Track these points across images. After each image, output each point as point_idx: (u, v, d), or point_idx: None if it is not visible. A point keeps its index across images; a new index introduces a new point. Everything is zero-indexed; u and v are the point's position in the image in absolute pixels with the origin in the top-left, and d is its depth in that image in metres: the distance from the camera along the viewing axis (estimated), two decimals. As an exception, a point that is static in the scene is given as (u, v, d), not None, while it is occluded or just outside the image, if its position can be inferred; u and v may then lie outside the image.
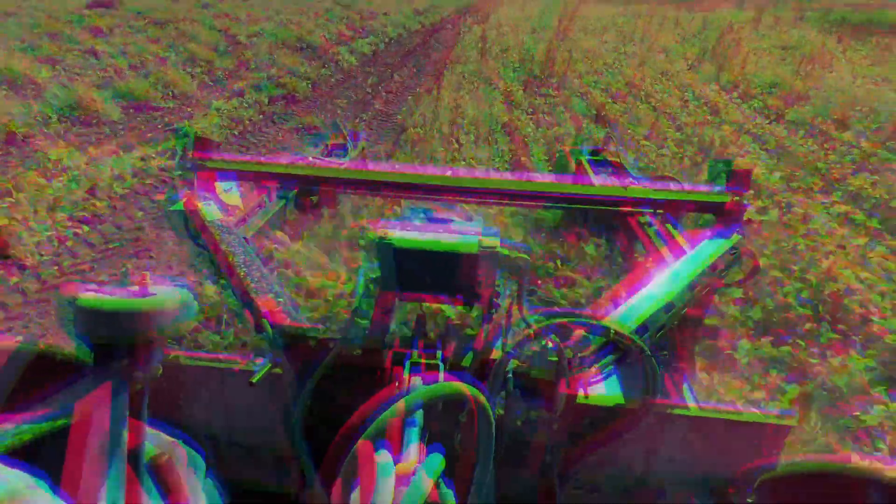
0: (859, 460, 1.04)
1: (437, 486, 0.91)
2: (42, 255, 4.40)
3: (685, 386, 2.41)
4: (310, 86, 10.50)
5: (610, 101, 9.01)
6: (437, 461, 0.84)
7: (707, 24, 18.60)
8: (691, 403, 2.20)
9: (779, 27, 20.58)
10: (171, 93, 9.55)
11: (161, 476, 1.10)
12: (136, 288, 1.06)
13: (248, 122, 8.33)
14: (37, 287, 4.09)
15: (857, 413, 2.81)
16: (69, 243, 4.66)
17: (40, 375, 1.05)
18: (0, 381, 1.00)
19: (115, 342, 1.05)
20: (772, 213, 4.79)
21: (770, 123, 7.87)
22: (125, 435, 1.06)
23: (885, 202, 5.20)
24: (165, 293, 1.07)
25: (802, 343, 3.28)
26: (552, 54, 10.39)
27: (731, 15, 21.73)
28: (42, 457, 0.94)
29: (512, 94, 9.41)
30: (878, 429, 2.68)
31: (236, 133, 7.86)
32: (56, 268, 4.33)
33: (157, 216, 5.01)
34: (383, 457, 0.82)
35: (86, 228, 4.90)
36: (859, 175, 5.93)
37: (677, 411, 1.86)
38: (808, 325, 3.43)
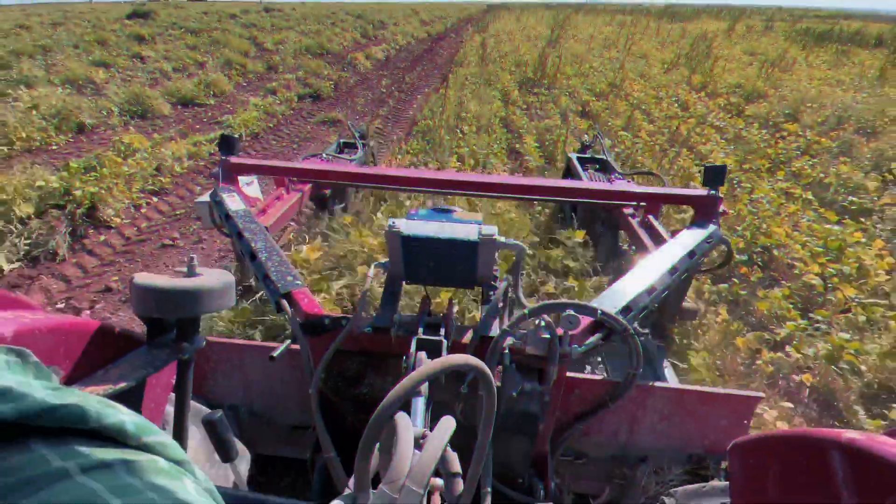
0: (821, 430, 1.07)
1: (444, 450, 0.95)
2: (123, 219, 4.93)
3: (666, 361, 2.49)
4: (332, 86, 10.99)
5: (594, 98, 9.48)
6: (449, 424, 0.85)
7: (686, 33, 19.06)
8: (671, 378, 2.32)
9: (750, 35, 20.95)
10: (212, 92, 10.05)
11: (214, 432, 1.12)
12: (185, 270, 1.12)
13: (280, 116, 8.83)
14: (122, 243, 4.62)
15: (773, 327, 3.33)
16: (143, 210, 5.19)
17: (100, 349, 1.08)
18: (70, 356, 1.02)
19: (165, 318, 1.12)
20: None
21: (731, 117, 8.32)
22: (177, 399, 1.15)
23: (820, 180, 5.69)
24: (209, 276, 1.11)
25: (737, 281, 3.80)
26: (545, 60, 10.82)
27: (708, 25, 22.19)
28: None
29: (509, 93, 9.88)
30: (788, 339, 3.19)
31: (272, 125, 8.37)
32: (135, 228, 4.86)
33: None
34: (403, 421, 0.84)
35: (155, 199, 5.44)
36: (802, 158, 6.41)
37: (658, 385, 1.92)
38: (743, 269, 3.94)
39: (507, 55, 13.79)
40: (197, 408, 1.58)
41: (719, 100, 9.48)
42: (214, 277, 1.10)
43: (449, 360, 0.87)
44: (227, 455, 1.12)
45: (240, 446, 1.67)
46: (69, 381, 0.98)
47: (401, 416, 0.84)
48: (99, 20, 21.16)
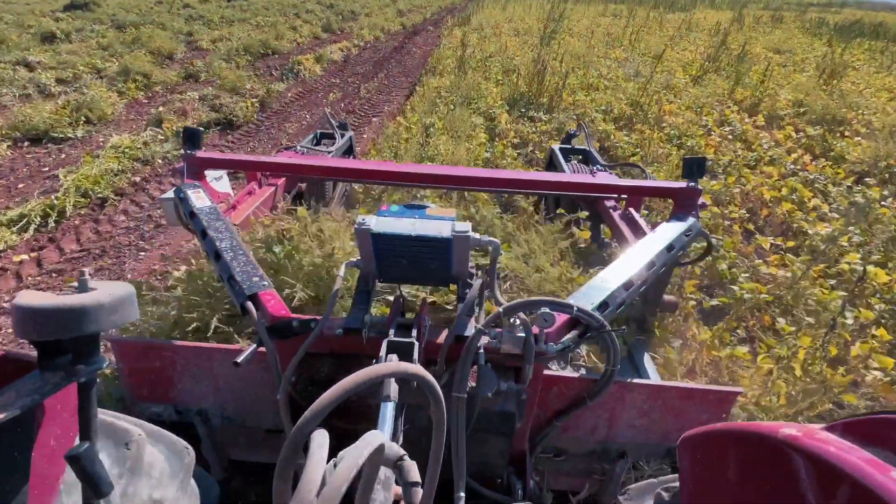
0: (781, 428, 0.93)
1: (401, 459, 0.88)
2: None
3: (646, 356, 2.33)
4: (256, 106, 7.87)
5: (612, 126, 6.53)
6: (371, 440, 0.75)
7: (692, 25, 16.02)
8: (650, 374, 2.20)
9: (760, 28, 18.00)
10: (83, 118, 6.91)
11: (79, 468, 0.92)
12: (75, 285, 0.97)
13: (153, 167, 5.73)
14: None
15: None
16: None
17: None
18: None
19: (55, 340, 0.94)
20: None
21: (822, 166, 5.47)
22: (80, 426, 0.99)
23: None
24: (102, 290, 0.96)
25: None
26: (542, 67, 7.77)
27: (709, 15, 19.02)
28: None
29: (496, 118, 6.87)
30: None
31: (136, 182, 5.29)
32: None
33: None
34: (318, 440, 0.75)
35: None
36: None
37: (636, 381, 1.82)
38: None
39: (492, 57, 10.72)
40: (123, 427, 1.27)
41: (787, 128, 6.55)
42: (108, 291, 0.96)
43: (383, 367, 0.83)
44: (98, 491, 0.95)
45: (203, 476, 1.55)
46: None
47: (317, 435, 0.77)
48: (33, 12, 17.54)
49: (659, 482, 1.47)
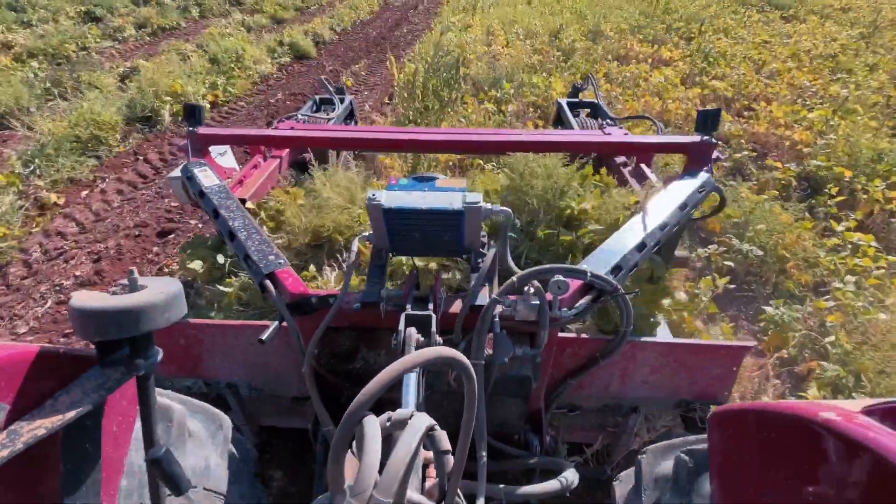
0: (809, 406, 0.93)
1: (432, 429, 0.88)
2: None
3: (660, 314, 2.26)
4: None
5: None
6: (418, 425, 0.80)
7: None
8: (660, 334, 2.10)
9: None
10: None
11: (160, 470, 0.97)
12: (126, 284, 0.99)
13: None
14: None
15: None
16: None
17: (45, 375, 0.96)
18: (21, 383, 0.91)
19: (114, 340, 0.97)
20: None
21: None
22: (142, 416, 1.02)
23: None
24: (152, 289, 0.99)
25: None
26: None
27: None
28: (61, 450, 0.97)
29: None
30: None
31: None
32: None
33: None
34: (370, 429, 0.76)
35: None
36: None
37: (648, 340, 1.80)
38: None
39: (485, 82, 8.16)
40: (170, 405, 1.37)
41: None
42: (158, 290, 0.98)
43: (420, 355, 0.84)
44: (177, 489, 1.00)
45: (241, 443, 1.61)
46: (15, 415, 0.90)
47: (368, 422, 0.79)
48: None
49: (681, 443, 1.46)
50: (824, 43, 9.56)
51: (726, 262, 3.44)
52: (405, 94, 6.43)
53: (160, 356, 1.03)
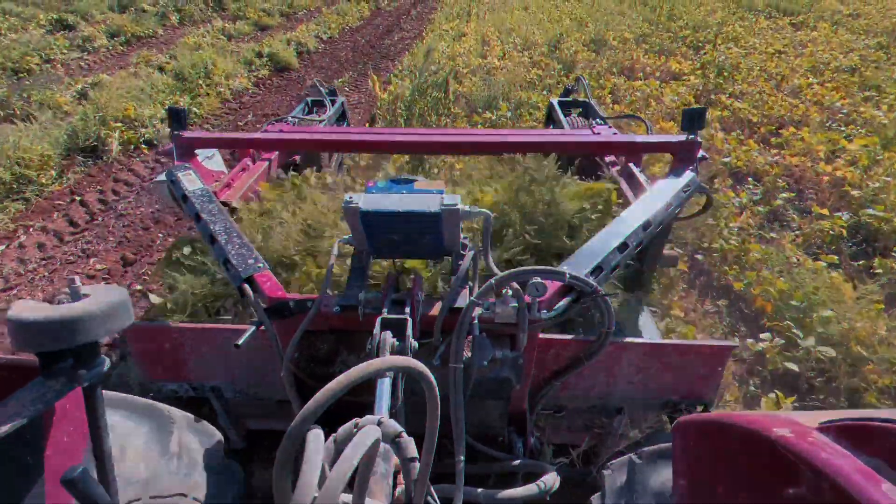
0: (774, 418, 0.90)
1: (399, 436, 0.87)
2: None
3: (645, 311, 2.23)
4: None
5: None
6: (365, 439, 0.77)
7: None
8: (652, 327, 2.12)
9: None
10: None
11: (76, 492, 0.90)
12: (67, 292, 0.96)
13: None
14: None
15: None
16: None
17: None
18: None
19: (55, 351, 0.92)
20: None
21: None
22: (90, 428, 1.00)
23: None
24: (95, 297, 0.95)
25: None
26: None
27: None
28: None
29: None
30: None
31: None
32: None
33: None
34: (314, 442, 0.74)
35: None
36: None
37: (632, 341, 1.78)
38: None
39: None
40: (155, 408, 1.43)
41: None
42: (100, 299, 0.93)
43: (368, 366, 0.82)
44: None
45: (231, 465, 1.55)
46: None
47: (311, 436, 0.76)
48: None
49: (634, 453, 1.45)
50: (842, 54, 8.74)
51: (787, 364, 2.62)
52: (388, 118, 5.59)
53: (107, 365, 0.99)
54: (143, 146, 5.42)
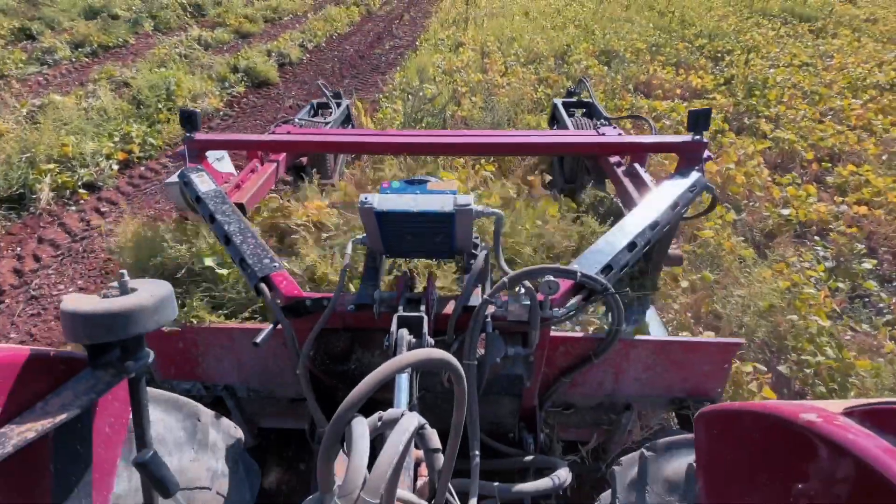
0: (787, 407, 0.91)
1: (422, 428, 0.88)
2: None
3: (649, 312, 2.22)
4: None
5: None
6: (407, 426, 0.79)
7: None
8: (654, 331, 2.09)
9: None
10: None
11: (148, 473, 0.97)
12: (116, 286, 0.97)
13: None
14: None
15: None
16: None
17: (36, 378, 0.94)
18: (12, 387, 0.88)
19: (105, 342, 0.94)
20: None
21: None
22: (134, 418, 1.01)
23: None
24: (143, 291, 0.97)
25: None
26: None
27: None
28: (52, 452, 0.94)
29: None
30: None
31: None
32: None
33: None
34: (359, 429, 0.75)
35: None
36: None
37: (640, 338, 1.79)
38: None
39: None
40: (174, 399, 1.41)
41: None
42: (149, 293, 0.96)
43: (409, 357, 0.83)
44: (165, 492, 1.00)
45: (247, 460, 1.57)
46: (5, 417, 0.87)
47: (357, 423, 0.77)
48: None
49: (683, 441, 1.41)
50: (875, 66, 7.84)
51: None
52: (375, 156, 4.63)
53: (151, 358, 1.01)
54: (82, 191, 4.45)
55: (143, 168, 4.99)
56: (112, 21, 10.64)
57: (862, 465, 0.73)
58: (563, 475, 1.61)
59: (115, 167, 4.80)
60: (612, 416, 1.92)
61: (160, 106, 5.74)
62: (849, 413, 0.86)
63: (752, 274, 3.12)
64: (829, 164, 4.78)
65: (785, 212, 3.81)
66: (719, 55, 8.59)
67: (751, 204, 4.02)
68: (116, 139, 5.06)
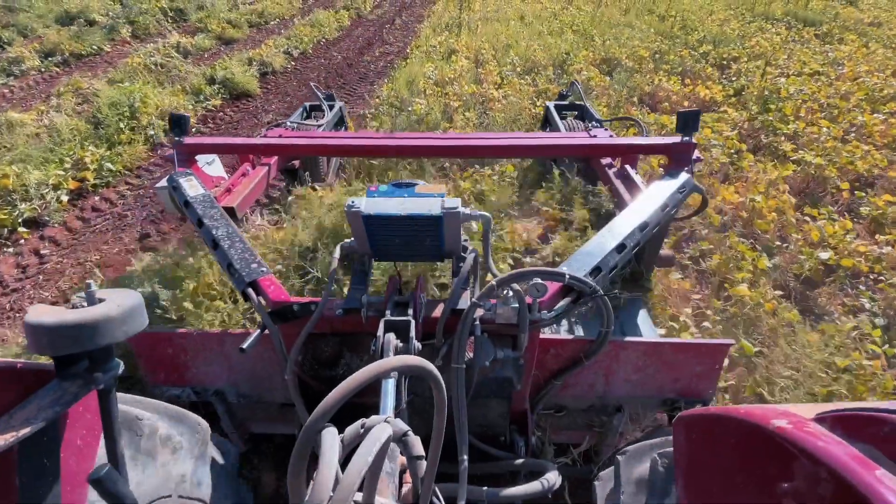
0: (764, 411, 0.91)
1: (405, 435, 0.88)
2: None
3: (643, 311, 2.21)
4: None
5: None
6: (377, 437, 0.75)
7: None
8: (649, 326, 2.12)
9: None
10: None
11: (103, 490, 0.93)
12: (83, 296, 0.96)
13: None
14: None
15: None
16: None
17: (4, 388, 0.92)
18: None
19: (72, 354, 0.92)
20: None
21: None
22: (104, 430, 0.99)
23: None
24: (111, 301, 0.95)
25: None
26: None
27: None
28: (17, 466, 0.92)
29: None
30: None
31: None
32: None
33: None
34: (328, 440, 0.73)
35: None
36: None
37: (631, 340, 1.78)
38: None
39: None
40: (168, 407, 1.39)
41: None
42: (116, 303, 0.94)
43: (382, 365, 0.80)
44: None
45: (225, 447, 1.58)
46: None
47: (326, 433, 0.75)
48: None
49: (655, 444, 1.42)
50: (891, 75, 7.33)
51: None
52: (360, 173, 4.07)
53: (121, 369, 0.99)
54: (22, 229, 3.86)
55: (97, 198, 4.40)
56: (88, 27, 10.02)
57: (831, 472, 0.74)
58: (553, 478, 1.60)
59: (65, 198, 4.21)
60: (603, 418, 1.91)
61: (122, 125, 5.15)
62: (820, 419, 0.87)
63: (798, 340, 2.59)
64: (862, 193, 4.25)
65: (823, 255, 3.27)
66: (725, 62, 8.07)
67: (784, 246, 3.48)
68: (68, 165, 4.46)
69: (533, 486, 1.56)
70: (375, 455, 0.73)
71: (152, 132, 5.37)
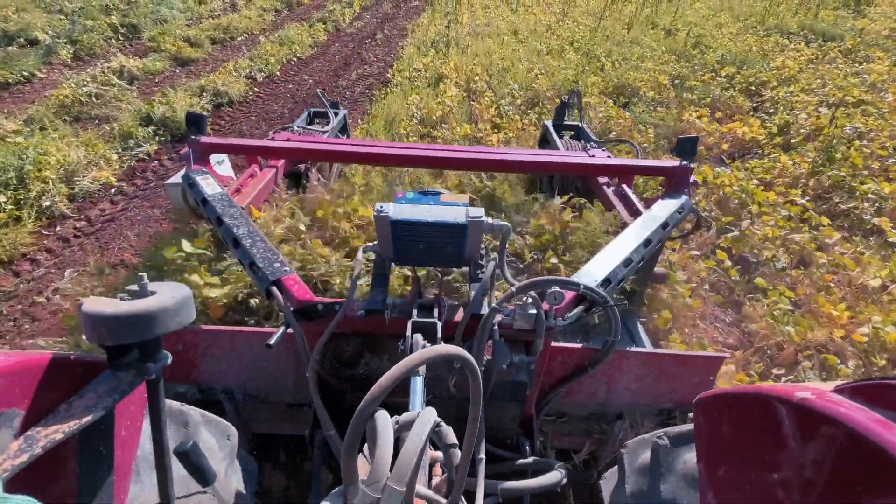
0: (774, 386, 0.98)
1: (438, 425, 0.89)
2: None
3: (638, 324, 2.27)
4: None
5: None
6: (427, 418, 0.80)
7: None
8: (645, 343, 2.14)
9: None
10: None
11: (188, 462, 1.02)
12: (135, 289, 0.94)
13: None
14: None
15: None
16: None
17: (58, 381, 0.93)
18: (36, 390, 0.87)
19: (124, 344, 0.92)
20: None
21: None
22: (151, 419, 0.99)
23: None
24: (162, 294, 0.94)
25: None
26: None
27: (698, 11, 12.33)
28: (76, 453, 0.93)
29: None
30: None
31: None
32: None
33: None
34: (383, 421, 0.76)
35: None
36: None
37: (633, 350, 1.80)
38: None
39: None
40: (179, 409, 1.36)
41: None
42: (168, 295, 0.94)
43: (426, 352, 0.81)
44: (204, 481, 1.02)
45: (245, 458, 1.57)
46: (31, 420, 0.87)
47: (380, 416, 0.77)
48: None
49: (656, 435, 1.45)
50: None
51: None
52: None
53: (169, 360, 0.99)
54: None
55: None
56: (27, 48, 8.51)
57: (854, 435, 0.77)
58: (560, 475, 1.60)
59: None
60: (603, 425, 1.90)
61: (1, 199, 3.75)
62: (839, 390, 0.89)
63: None
64: None
65: None
66: (753, 87, 6.85)
67: None
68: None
69: (544, 480, 1.55)
70: (427, 435, 0.75)
71: (48, 202, 3.97)
